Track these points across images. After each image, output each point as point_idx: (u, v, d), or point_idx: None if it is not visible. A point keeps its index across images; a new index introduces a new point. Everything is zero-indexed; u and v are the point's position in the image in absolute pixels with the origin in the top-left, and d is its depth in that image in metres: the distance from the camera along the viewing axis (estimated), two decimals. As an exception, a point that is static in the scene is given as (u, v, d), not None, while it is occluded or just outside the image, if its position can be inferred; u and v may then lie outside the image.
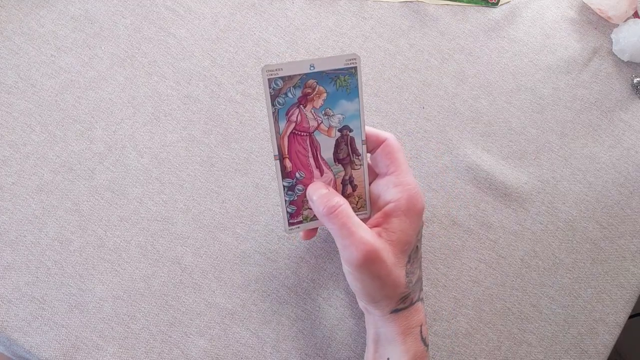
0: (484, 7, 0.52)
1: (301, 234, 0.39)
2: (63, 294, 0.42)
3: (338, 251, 0.44)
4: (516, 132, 0.48)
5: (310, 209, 0.37)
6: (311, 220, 0.38)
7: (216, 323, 0.42)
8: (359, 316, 0.43)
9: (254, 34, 0.50)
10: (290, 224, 0.37)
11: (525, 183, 0.47)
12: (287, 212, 0.37)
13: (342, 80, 0.35)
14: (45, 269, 0.42)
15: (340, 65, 0.34)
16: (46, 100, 0.47)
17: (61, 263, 0.43)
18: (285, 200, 0.36)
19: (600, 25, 0.52)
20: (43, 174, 0.45)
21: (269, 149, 0.47)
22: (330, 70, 0.34)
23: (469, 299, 0.44)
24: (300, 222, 0.37)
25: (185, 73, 0.48)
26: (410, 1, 0.52)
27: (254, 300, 0.43)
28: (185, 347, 0.41)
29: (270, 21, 0.51)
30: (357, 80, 0.35)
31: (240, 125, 0.47)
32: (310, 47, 0.50)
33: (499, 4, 0.52)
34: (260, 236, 0.44)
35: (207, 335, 0.42)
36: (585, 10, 0.53)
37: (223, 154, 0.46)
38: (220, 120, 0.47)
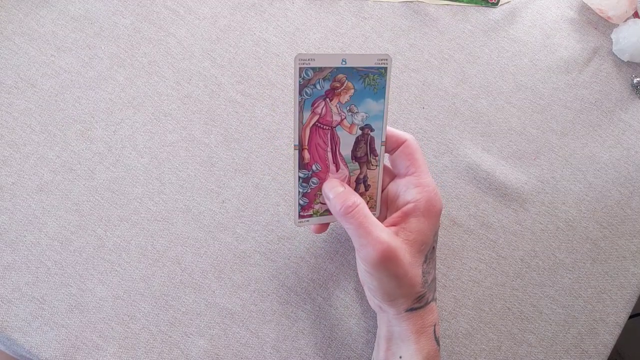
0: (484, 7, 0.52)
1: (312, 227, 0.39)
2: (63, 294, 0.42)
3: (338, 251, 0.44)
4: (516, 132, 0.48)
5: (322, 203, 0.37)
6: (321, 215, 0.37)
7: (216, 323, 0.42)
8: (359, 316, 0.43)
9: (254, 34, 0.50)
10: (300, 216, 0.37)
11: (525, 183, 0.47)
12: (299, 204, 0.37)
13: (371, 79, 0.35)
14: (45, 269, 0.42)
15: (371, 63, 0.34)
16: (46, 100, 0.47)
17: (61, 263, 0.43)
18: (299, 192, 0.36)
19: (600, 25, 0.52)
20: (43, 174, 0.45)
21: (269, 149, 0.47)
22: (361, 67, 0.34)
23: (469, 299, 0.44)
24: (310, 216, 0.37)
25: (185, 73, 0.48)
26: (410, 1, 0.52)
27: (254, 300, 0.43)
28: (185, 347, 0.41)
29: (270, 21, 0.51)
30: (385, 81, 0.35)
31: (240, 125, 0.47)
32: (311, 47, 0.50)
33: (499, 4, 0.52)
34: (260, 236, 0.44)
35: (207, 335, 0.42)
36: (585, 10, 0.53)
37: (223, 154, 0.46)
38: (220, 120, 0.47)
